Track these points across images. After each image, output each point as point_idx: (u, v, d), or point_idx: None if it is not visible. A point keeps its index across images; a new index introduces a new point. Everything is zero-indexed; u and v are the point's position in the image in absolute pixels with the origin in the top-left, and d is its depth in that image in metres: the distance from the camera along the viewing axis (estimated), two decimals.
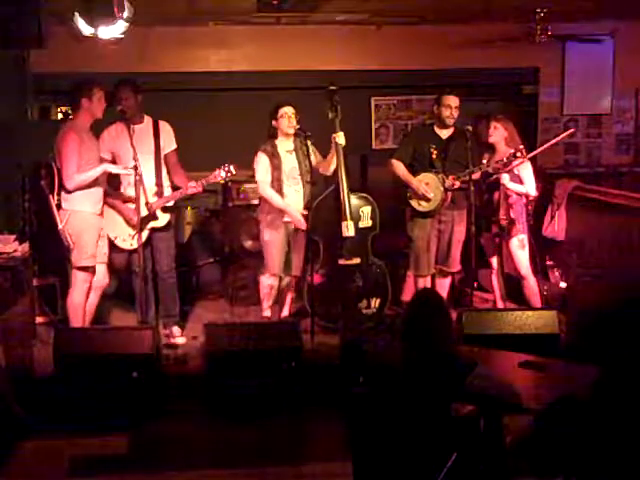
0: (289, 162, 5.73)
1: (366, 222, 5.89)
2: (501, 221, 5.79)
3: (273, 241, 5.73)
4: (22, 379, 4.74)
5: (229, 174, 5.56)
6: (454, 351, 3.22)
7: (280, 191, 5.69)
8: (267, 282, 5.81)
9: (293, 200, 5.71)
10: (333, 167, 5.72)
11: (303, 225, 5.62)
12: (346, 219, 5.77)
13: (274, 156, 5.69)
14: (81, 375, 4.72)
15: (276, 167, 5.68)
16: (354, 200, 5.86)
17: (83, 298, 5.45)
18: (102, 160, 5.50)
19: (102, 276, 5.57)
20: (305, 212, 5.64)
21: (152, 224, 5.60)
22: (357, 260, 5.84)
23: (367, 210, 5.89)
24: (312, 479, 4.06)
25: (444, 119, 5.77)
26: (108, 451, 4.31)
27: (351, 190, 5.86)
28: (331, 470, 3.95)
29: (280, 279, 5.83)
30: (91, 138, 5.41)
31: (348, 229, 5.78)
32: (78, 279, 5.43)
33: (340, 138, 5.63)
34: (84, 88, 5.29)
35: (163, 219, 5.65)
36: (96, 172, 5.26)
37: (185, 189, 5.59)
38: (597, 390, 2.80)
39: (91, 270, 5.45)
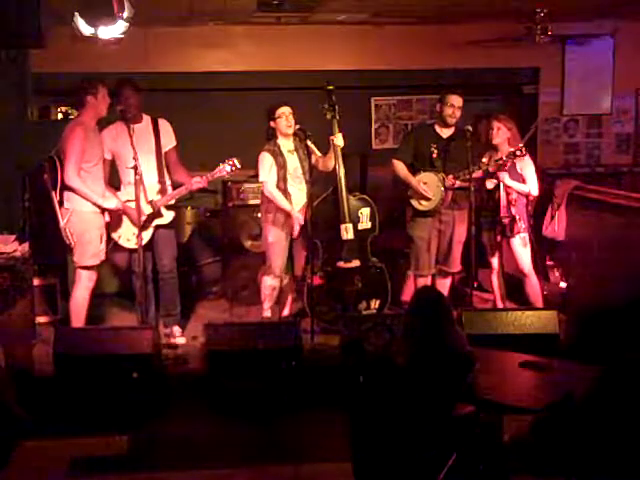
0: (292, 162, 5.72)
1: (365, 224, 5.88)
2: (503, 219, 5.79)
3: (278, 241, 5.72)
4: (22, 379, 4.73)
5: (233, 168, 5.56)
6: (457, 347, 3.21)
7: (286, 191, 5.68)
8: (270, 283, 5.79)
9: (299, 199, 5.71)
10: (332, 163, 5.72)
11: (297, 229, 5.61)
12: (345, 222, 5.77)
13: (278, 155, 5.68)
14: (81, 375, 4.73)
15: (281, 167, 5.67)
16: (353, 202, 5.85)
17: (87, 297, 5.47)
18: (104, 161, 5.52)
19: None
20: (302, 219, 5.63)
21: (157, 222, 5.61)
22: (356, 263, 5.83)
23: (366, 212, 5.89)
24: (312, 479, 4.06)
25: (445, 117, 5.77)
26: (108, 451, 4.31)
27: (350, 191, 5.86)
28: (331, 470, 3.95)
29: (281, 279, 5.82)
30: (96, 136, 5.44)
31: (347, 232, 5.78)
32: (82, 278, 5.44)
33: (338, 139, 5.63)
34: (89, 86, 5.33)
35: (168, 216, 5.65)
36: (90, 196, 5.29)
37: (190, 184, 5.59)
38: (597, 390, 2.80)
39: (95, 269, 5.46)
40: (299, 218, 5.62)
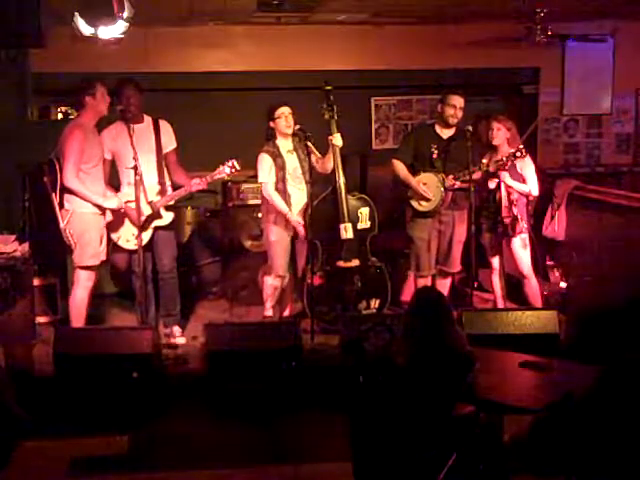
0: (291, 162, 5.72)
1: (364, 223, 5.88)
2: (504, 219, 5.79)
3: (280, 240, 5.71)
4: (22, 379, 4.73)
5: (233, 170, 5.56)
6: (457, 347, 3.21)
7: (285, 191, 5.68)
8: (271, 283, 5.79)
9: (299, 199, 5.70)
10: (331, 165, 5.72)
11: (301, 231, 5.62)
12: (344, 221, 5.78)
13: (278, 156, 5.68)
14: (81, 375, 4.73)
15: (280, 167, 5.67)
16: (352, 201, 5.86)
17: (86, 297, 5.47)
18: (104, 161, 5.52)
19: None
20: (302, 221, 5.63)
21: (156, 223, 5.60)
22: (356, 262, 5.83)
23: (365, 211, 5.89)
24: (312, 479, 4.06)
25: (447, 118, 5.76)
26: (108, 451, 4.31)
27: (349, 191, 5.86)
28: (331, 470, 3.95)
29: (283, 279, 5.82)
30: (96, 136, 5.44)
31: (346, 232, 5.78)
32: (81, 278, 5.45)
33: (337, 140, 5.63)
34: (87, 86, 5.32)
35: (167, 217, 5.65)
36: (90, 197, 5.29)
37: (189, 186, 5.58)
38: (597, 390, 2.80)
39: (94, 269, 5.47)
40: (298, 222, 5.62)
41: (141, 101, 5.56)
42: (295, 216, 5.64)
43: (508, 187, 5.76)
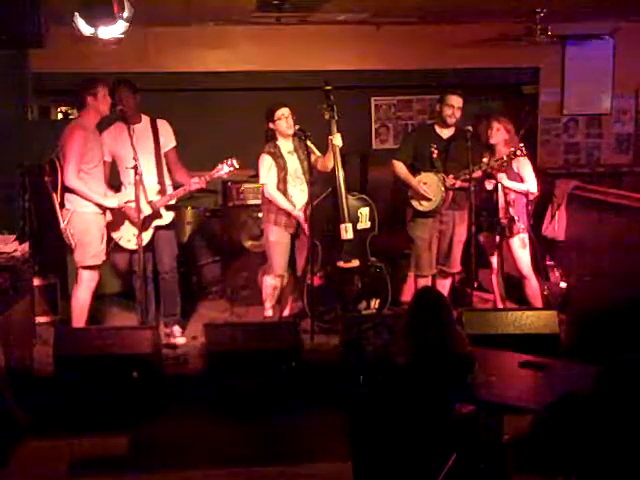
0: (292, 163, 5.72)
1: (365, 223, 5.88)
2: (501, 220, 5.80)
3: (279, 241, 5.71)
4: (22, 379, 4.73)
5: (232, 168, 5.56)
6: (457, 347, 3.21)
7: (286, 192, 5.68)
8: (270, 282, 5.79)
9: (300, 200, 5.70)
10: (331, 164, 5.71)
11: (307, 228, 5.63)
12: (344, 221, 5.78)
13: (278, 157, 5.68)
14: (81, 375, 4.72)
15: (282, 168, 5.67)
16: (352, 202, 5.86)
17: (88, 297, 5.48)
18: (105, 163, 5.52)
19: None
20: (302, 214, 5.63)
21: (157, 222, 5.61)
22: (356, 262, 5.83)
23: (365, 211, 5.89)
24: (312, 479, 4.06)
25: (445, 118, 5.77)
26: (108, 451, 4.31)
27: (349, 191, 5.87)
28: (331, 470, 3.96)
29: (282, 279, 5.82)
30: (96, 137, 5.45)
31: (347, 232, 5.78)
32: (84, 278, 5.46)
33: (337, 140, 5.63)
34: (88, 86, 5.34)
35: (167, 217, 5.65)
36: (91, 196, 5.31)
37: (189, 185, 5.59)
38: (597, 389, 2.80)
39: (96, 269, 5.47)
40: (300, 216, 5.62)
41: (136, 102, 5.55)
42: (299, 213, 5.64)
43: (506, 188, 5.76)
